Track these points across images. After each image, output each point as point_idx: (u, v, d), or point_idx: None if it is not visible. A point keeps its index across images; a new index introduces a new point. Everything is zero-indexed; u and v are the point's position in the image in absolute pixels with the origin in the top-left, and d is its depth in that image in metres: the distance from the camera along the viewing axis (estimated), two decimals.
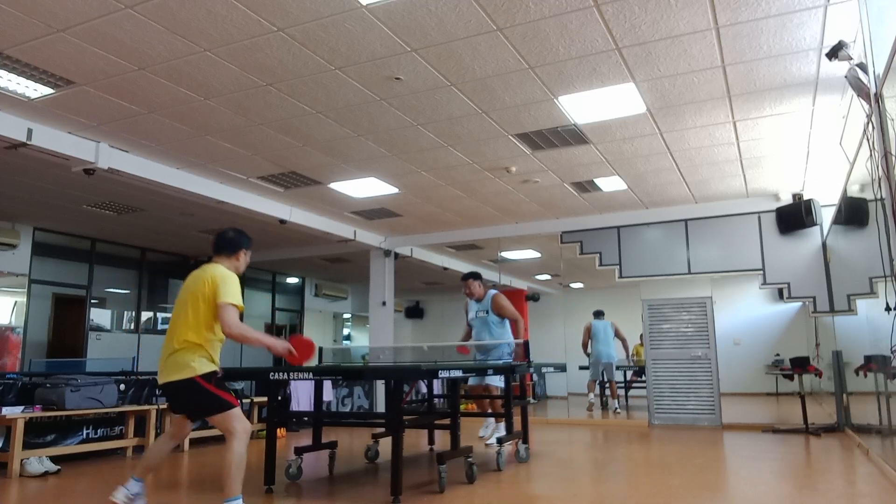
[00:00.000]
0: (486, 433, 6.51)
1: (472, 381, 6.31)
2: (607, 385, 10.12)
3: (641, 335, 10.02)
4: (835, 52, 3.82)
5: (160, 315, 11.40)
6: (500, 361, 5.77)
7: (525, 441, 5.49)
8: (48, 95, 4.84)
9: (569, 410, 9.53)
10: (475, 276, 6.36)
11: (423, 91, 4.86)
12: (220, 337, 3.46)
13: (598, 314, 10.05)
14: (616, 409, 9.59)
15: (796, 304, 9.20)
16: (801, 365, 7.10)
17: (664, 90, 4.90)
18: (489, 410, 6.23)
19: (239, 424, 3.36)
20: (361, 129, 5.61)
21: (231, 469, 3.29)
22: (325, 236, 9.15)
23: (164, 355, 3.43)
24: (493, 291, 6.32)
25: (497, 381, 6.03)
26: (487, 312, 6.20)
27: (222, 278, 3.43)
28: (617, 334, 9.94)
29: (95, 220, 8.71)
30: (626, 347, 10.16)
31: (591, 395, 9.93)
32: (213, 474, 4.88)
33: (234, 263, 3.64)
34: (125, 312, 10.77)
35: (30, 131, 5.29)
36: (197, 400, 3.36)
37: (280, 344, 3.56)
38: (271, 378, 4.23)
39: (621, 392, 10.38)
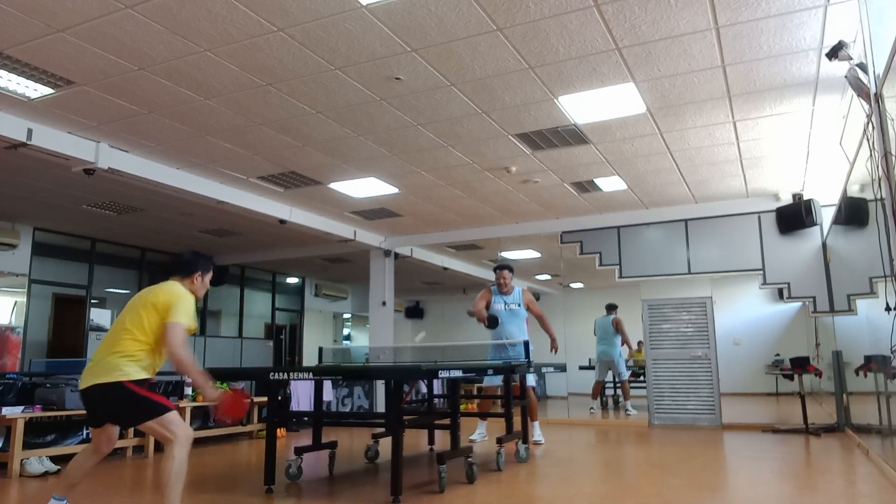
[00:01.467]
0: (479, 437, 6.43)
1: (487, 381, 6.19)
2: (619, 385, 10.03)
3: (640, 342, 9.93)
4: (835, 52, 3.82)
5: None
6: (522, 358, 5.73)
7: (525, 441, 5.50)
8: (48, 95, 4.84)
9: (569, 410, 9.52)
10: (511, 268, 6.37)
11: (423, 91, 4.86)
12: (163, 351, 3.23)
13: (608, 308, 9.89)
14: (628, 409, 9.48)
15: (796, 304, 9.20)
16: (801, 365, 7.10)
17: (664, 90, 4.90)
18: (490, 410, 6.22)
19: (179, 430, 3.06)
20: (361, 129, 5.61)
21: (170, 478, 2.95)
22: (325, 236, 9.15)
23: (93, 360, 3.19)
24: (520, 287, 6.40)
25: (531, 381, 6.12)
26: (519, 305, 6.26)
27: (178, 296, 3.26)
28: (617, 330, 9.72)
29: (95, 220, 8.71)
30: (628, 345, 9.92)
31: (594, 405, 9.89)
32: (213, 474, 4.88)
33: (189, 287, 3.45)
34: None
35: (30, 131, 5.29)
36: (123, 406, 3.09)
37: (210, 393, 3.23)
38: (271, 378, 4.23)
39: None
